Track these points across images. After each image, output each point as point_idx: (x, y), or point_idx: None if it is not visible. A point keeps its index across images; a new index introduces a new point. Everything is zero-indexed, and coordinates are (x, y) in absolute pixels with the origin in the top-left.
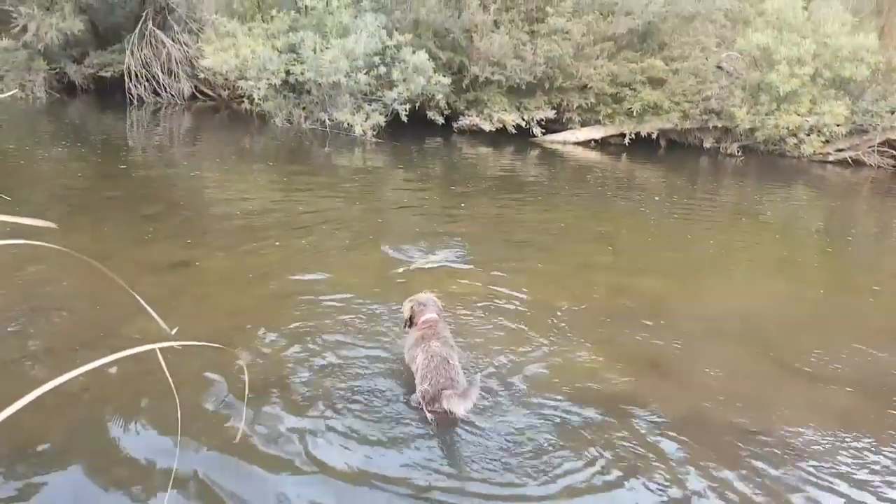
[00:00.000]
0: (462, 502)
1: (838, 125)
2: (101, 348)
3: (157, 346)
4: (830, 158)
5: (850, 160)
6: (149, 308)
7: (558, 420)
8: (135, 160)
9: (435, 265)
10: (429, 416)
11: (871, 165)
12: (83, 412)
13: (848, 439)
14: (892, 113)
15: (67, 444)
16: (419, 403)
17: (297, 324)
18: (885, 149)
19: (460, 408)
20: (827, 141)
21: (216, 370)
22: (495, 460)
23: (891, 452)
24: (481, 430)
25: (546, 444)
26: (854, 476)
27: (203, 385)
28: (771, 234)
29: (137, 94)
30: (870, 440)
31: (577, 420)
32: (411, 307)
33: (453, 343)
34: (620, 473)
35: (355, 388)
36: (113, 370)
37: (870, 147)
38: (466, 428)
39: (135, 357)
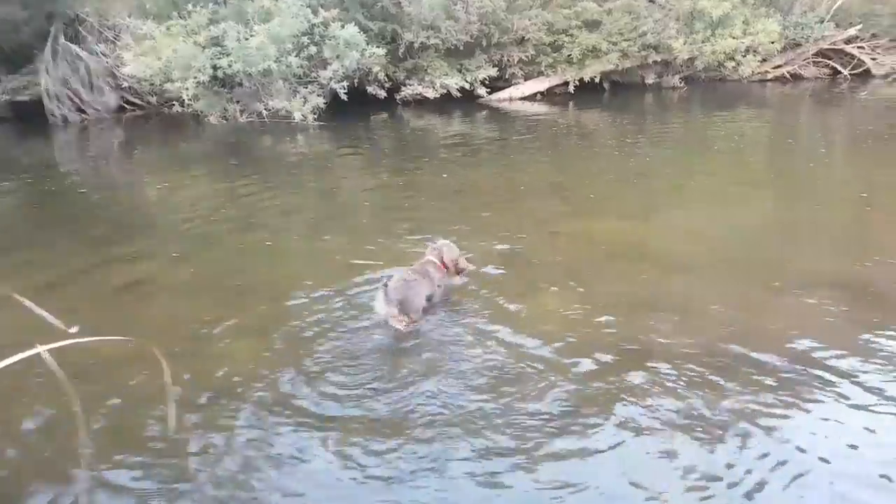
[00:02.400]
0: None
1: (772, 42)
2: None
3: (44, 347)
4: (769, 76)
5: (788, 75)
6: (38, 309)
7: (557, 371)
8: (71, 182)
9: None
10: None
11: (808, 77)
12: None
13: (849, 346)
14: (822, 23)
15: None
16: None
17: (258, 328)
18: (820, 59)
19: (377, 303)
20: (764, 59)
21: (149, 375)
22: (486, 421)
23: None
24: (472, 393)
25: (550, 395)
26: (860, 379)
27: (128, 390)
28: (727, 159)
29: (61, 114)
30: (869, 344)
31: (576, 368)
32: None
33: (425, 278)
34: (632, 416)
35: (300, 389)
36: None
37: (805, 60)
38: (452, 392)
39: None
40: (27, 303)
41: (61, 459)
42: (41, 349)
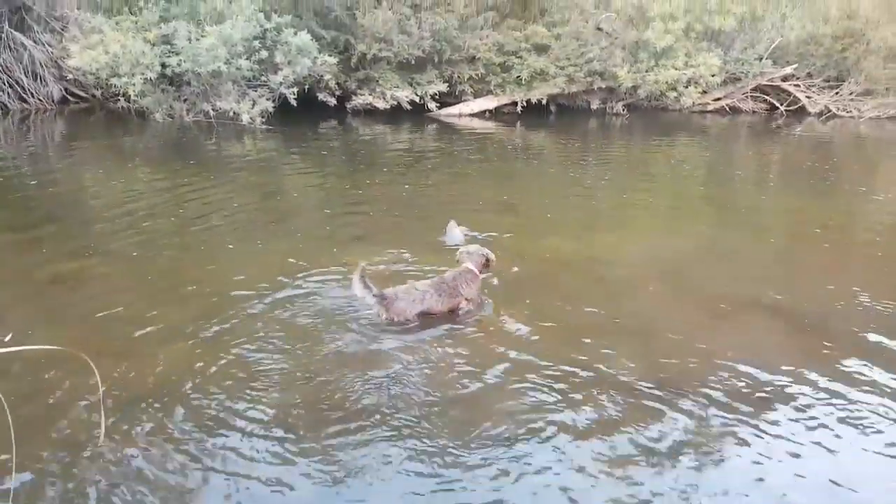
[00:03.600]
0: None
1: (713, 75)
2: None
3: None
4: (709, 108)
5: (727, 108)
6: None
7: (500, 392)
8: (6, 172)
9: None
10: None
11: (746, 111)
12: None
13: (785, 373)
14: (760, 60)
15: None
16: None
17: (192, 329)
18: (758, 94)
19: (354, 285)
20: (704, 92)
21: (79, 381)
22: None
23: (823, 382)
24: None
25: (493, 418)
26: (793, 405)
27: (60, 397)
28: (674, 185)
29: (1, 102)
30: (805, 373)
31: (519, 388)
32: (460, 255)
33: (445, 287)
34: (573, 438)
35: (245, 395)
36: None
37: (743, 94)
38: (410, 415)
39: None
40: None
41: None
42: None
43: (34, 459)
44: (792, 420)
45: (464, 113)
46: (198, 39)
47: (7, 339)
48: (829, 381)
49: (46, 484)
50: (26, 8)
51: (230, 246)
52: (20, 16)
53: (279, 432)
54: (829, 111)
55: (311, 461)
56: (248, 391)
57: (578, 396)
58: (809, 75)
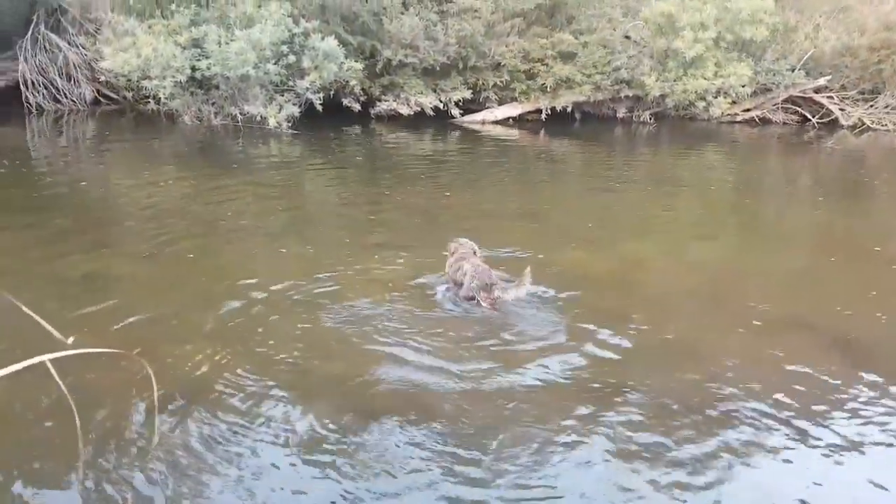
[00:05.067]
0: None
1: (743, 86)
2: None
3: (47, 357)
4: (739, 118)
5: (757, 119)
6: (38, 318)
7: (534, 404)
8: (39, 171)
9: None
10: (482, 303)
11: (776, 122)
12: None
13: (820, 393)
14: (793, 71)
15: None
16: (467, 297)
17: (220, 329)
18: (789, 105)
19: (510, 296)
20: (734, 102)
21: (127, 381)
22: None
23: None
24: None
25: (517, 431)
26: (827, 426)
27: (113, 398)
28: (694, 197)
29: (36, 103)
30: (841, 394)
31: (543, 402)
32: (454, 246)
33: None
34: (595, 455)
35: (275, 396)
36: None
37: (774, 105)
38: (420, 425)
39: (31, 374)
40: (25, 310)
41: (56, 466)
42: (44, 358)
43: (95, 461)
44: (845, 446)
45: (487, 120)
46: (227, 43)
47: (70, 340)
48: (881, 403)
49: (105, 483)
50: (62, 10)
51: (255, 248)
52: (56, 18)
53: (305, 435)
54: (863, 124)
55: (335, 465)
56: (276, 392)
57: (620, 416)
58: (843, 87)
